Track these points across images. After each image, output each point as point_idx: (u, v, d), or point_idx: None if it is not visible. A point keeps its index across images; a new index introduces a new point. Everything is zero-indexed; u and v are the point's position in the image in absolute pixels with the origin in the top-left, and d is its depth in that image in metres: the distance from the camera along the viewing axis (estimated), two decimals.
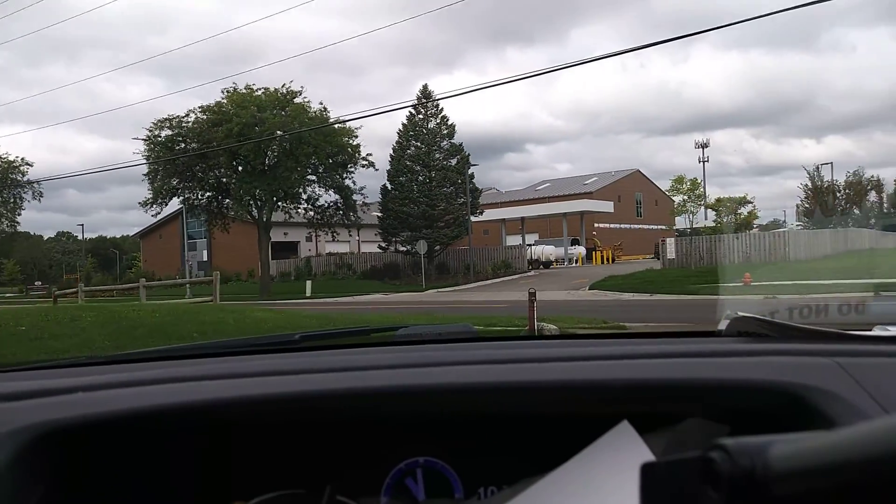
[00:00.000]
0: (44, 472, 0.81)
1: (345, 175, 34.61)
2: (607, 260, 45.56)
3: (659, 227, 48.59)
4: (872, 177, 55.05)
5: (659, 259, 33.01)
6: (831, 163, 55.82)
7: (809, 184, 43.83)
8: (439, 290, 30.62)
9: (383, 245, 37.91)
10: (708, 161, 58.00)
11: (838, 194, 46.93)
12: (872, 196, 53.85)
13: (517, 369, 0.92)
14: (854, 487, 0.40)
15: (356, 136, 33.82)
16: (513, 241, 46.14)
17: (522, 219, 49.70)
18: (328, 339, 1.35)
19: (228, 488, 0.97)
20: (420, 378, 0.91)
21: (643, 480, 0.51)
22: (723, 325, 1.14)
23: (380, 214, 37.11)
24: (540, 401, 0.91)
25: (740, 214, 43.77)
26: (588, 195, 53.62)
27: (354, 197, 35.30)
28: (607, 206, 50.54)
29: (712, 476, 0.44)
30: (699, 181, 35.52)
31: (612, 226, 55.57)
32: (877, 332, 1.08)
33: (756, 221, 44.19)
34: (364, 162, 34.72)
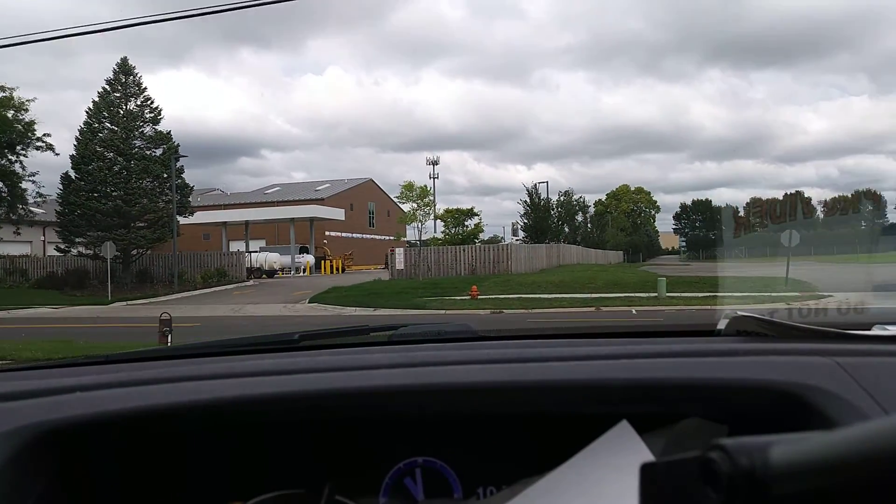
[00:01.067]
0: (42, 472, 0.81)
1: (13, 159, 27.71)
2: (337, 270, 44.40)
3: (390, 237, 48.27)
4: (580, 198, 62.34)
5: (388, 269, 32.15)
6: (546, 182, 61.51)
7: (528, 200, 46.89)
8: (130, 302, 25.99)
9: (63, 247, 30.85)
10: (438, 178, 59.59)
11: (552, 212, 51.05)
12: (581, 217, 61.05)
13: (516, 369, 0.91)
14: (854, 487, 0.40)
15: (26, 110, 27.17)
16: (238, 247, 41.76)
17: (247, 223, 46.61)
18: (327, 339, 1.33)
19: (227, 488, 0.96)
20: (419, 378, 0.91)
21: (642, 480, 0.51)
22: (722, 325, 1.13)
23: (60, 209, 30.21)
24: (539, 401, 0.91)
25: (467, 227, 44.85)
26: (319, 201, 52.08)
27: (24, 185, 28.44)
28: (338, 214, 49.21)
29: (712, 476, 0.44)
30: (429, 189, 35.20)
31: (343, 234, 54.44)
32: (876, 331, 1.07)
33: (482, 235, 45.92)
34: (40, 144, 28.08)
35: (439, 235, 45.28)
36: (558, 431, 0.95)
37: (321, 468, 0.99)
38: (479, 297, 20.97)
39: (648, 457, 0.80)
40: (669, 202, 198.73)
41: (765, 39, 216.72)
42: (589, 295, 21.69)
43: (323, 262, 44.36)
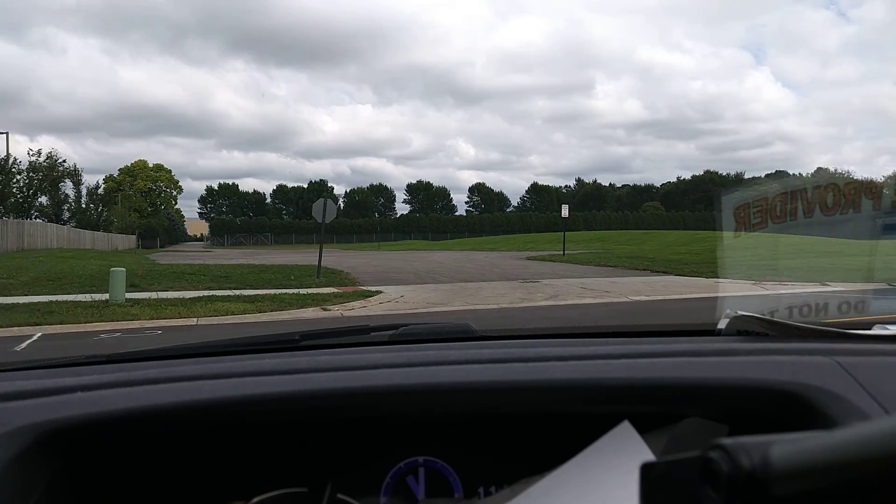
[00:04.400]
0: (43, 472, 0.81)
1: None
2: None
3: None
4: (65, 163, 51.57)
5: None
6: (6, 132, 47.54)
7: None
8: None
9: None
10: None
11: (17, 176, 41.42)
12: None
13: (517, 368, 0.91)
14: (854, 487, 0.40)
15: None
16: None
17: None
18: (328, 339, 1.32)
19: (228, 487, 0.96)
20: (420, 377, 0.91)
21: (643, 480, 0.51)
22: (722, 324, 1.13)
23: None
24: (540, 400, 0.91)
25: None
26: None
27: None
28: None
29: (712, 476, 0.44)
30: None
31: None
32: (876, 330, 1.07)
33: None
34: None
35: None
36: (559, 431, 0.95)
37: (322, 467, 0.99)
38: None
39: (649, 456, 0.80)
40: (198, 189, 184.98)
41: (284, 38, 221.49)
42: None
43: None
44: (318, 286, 15.99)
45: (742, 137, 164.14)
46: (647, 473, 0.51)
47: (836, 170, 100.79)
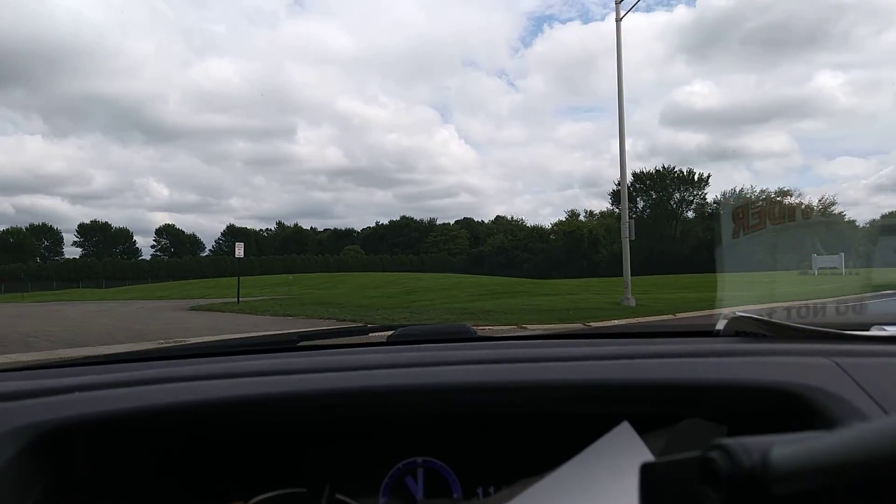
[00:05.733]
0: (41, 473, 0.81)
1: None
2: None
3: None
4: None
5: None
6: None
7: None
8: None
9: None
10: None
11: None
12: None
13: (515, 369, 0.91)
14: (853, 487, 0.40)
15: None
16: None
17: None
18: (326, 339, 1.33)
19: (227, 488, 0.96)
20: (418, 378, 0.91)
21: (643, 480, 0.51)
22: (721, 325, 1.13)
23: None
24: (538, 400, 0.90)
25: None
26: None
27: None
28: None
29: (712, 476, 0.44)
30: None
31: None
32: (874, 332, 1.07)
33: None
34: None
35: None
36: (558, 431, 0.95)
37: (321, 468, 0.98)
38: None
39: (649, 457, 0.80)
40: None
41: None
42: None
43: None
44: None
45: (434, 188, 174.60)
46: (647, 474, 0.51)
47: (512, 217, 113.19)
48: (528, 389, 0.89)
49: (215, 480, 0.96)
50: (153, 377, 0.92)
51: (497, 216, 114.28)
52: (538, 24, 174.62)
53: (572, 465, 0.81)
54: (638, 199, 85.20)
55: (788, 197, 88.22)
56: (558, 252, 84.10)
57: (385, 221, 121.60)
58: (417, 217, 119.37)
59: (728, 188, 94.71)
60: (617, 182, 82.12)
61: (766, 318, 1.07)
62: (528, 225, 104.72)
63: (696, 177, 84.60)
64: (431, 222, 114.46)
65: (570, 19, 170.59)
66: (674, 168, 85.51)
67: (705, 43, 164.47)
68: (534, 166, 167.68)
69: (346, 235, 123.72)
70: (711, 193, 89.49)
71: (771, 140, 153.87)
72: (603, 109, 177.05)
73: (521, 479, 0.86)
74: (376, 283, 38.70)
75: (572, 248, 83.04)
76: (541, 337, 1.22)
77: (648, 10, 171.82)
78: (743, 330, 1.09)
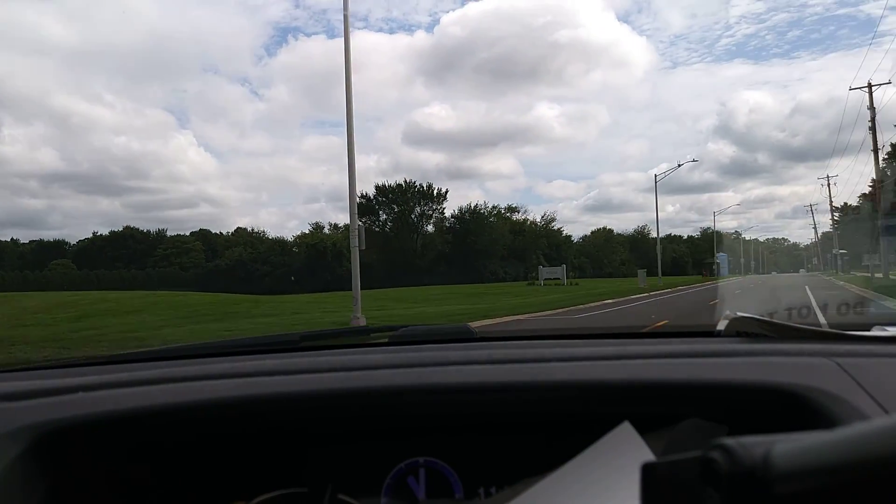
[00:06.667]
0: (45, 473, 0.81)
1: None
2: None
3: None
4: None
5: None
6: None
7: None
8: None
9: None
10: None
11: None
12: None
13: (516, 369, 0.92)
14: (854, 487, 0.40)
15: None
16: None
17: None
18: (328, 340, 1.32)
19: (230, 487, 0.96)
20: (420, 378, 0.92)
21: (643, 480, 0.51)
22: (722, 326, 1.13)
23: None
24: (540, 401, 0.91)
25: None
26: None
27: None
28: None
29: (713, 476, 0.44)
30: None
31: None
32: (875, 332, 1.07)
33: None
34: None
35: None
36: (559, 432, 0.95)
37: (323, 468, 0.98)
38: None
39: (649, 457, 0.80)
40: None
41: None
42: None
43: None
44: None
45: (171, 197, 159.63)
46: (648, 474, 0.51)
47: (252, 230, 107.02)
48: (530, 389, 0.89)
49: (217, 480, 0.96)
50: (156, 377, 0.92)
51: (238, 228, 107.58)
52: (283, 34, 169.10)
53: (573, 465, 0.81)
54: (380, 211, 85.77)
55: (517, 213, 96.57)
56: (301, 266, 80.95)
57: (105, 232, 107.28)
58: (149, 228, 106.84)
59: (464, 204, 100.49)
60: (363, 194, 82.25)
61: (766, 319, 1.08)
62: (270, 237, 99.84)
63: (435, 192, 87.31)
64: (161, 233, 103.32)
65: (316, 33, 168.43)
66: (414, 182, 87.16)
67: (442, 68, 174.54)
68: (280, 178, 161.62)
69: (55, 248, 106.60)
70: (449, 209, 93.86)
71: (500, 162, 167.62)
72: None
73: (522, 479, 0.85)
74: (44, 305, 29.96)
75: (316, 262, 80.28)
76: (542, 337, 1.24)
77: (391, 31, 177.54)
78: (744, 330, 1.10)
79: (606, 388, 0.88)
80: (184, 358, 1.11)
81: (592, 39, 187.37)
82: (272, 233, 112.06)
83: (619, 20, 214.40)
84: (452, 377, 0.91)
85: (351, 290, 17.54)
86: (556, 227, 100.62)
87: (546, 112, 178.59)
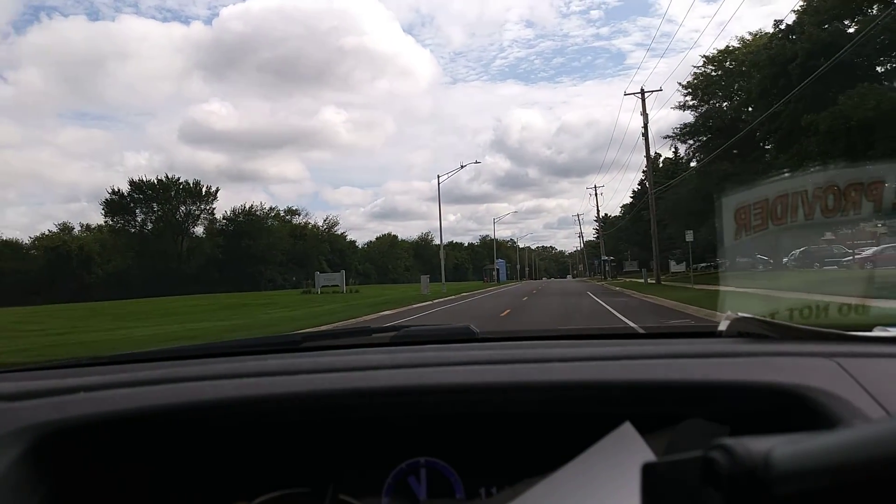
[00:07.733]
0: (47, 472, 0.81)
1: None
2: None
3: None
4: None
5: None
6: None
7: None
8: None
9: None
10: None
11: None
12: None
13: (517, 370, 0.92)
14: (855, 488, 0.40)
15: None
16: None
17: None
18: (330, 340, 1.33)
19: (231, 488, 0.96)
20: (421, 378, 0.92)
21: (644, 480, 0.51)
22: (723, 326, 1.13)
23: None
24: (541, 401, 0.91)
25: None
26: None
27: None
28: None
29: (713, 476, 0.44)
30: None
31: None
32: (877, 332, 1.07)
33: None
34: None
35: None
36: (560, 432, 0.94)
37: (324, 468, 0.99)
38: None
39: (650, 457, 0.80)
40: None
41: None
42: None
43: None
44: None
45: None
46: (649, 474, 0.51)
47: None
48: (531, 390, 0.89)
49: (219, 480, 0.96)
50: (158, 377, 0.92)
51: None
52: (35, 11, 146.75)
53: (574, 465, 0.81)
54: (137, 210, 75.85)
55: (297, 216, 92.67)
56: (40, 273, 69.81)
57: None
58: None
59: (238, 204, 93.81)
60: (115, 190, 71.40)
61: (768, 319, 1.08)
62: (1, 238, 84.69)
63: (204, 189, 78.34)
64: None
65: (76, 14, 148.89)
66: (178, 178, 77.90)
67: (223, 64, 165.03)
68: (30, 174, 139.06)
69: None
70: (223, 209, 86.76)
71: (286, 166, 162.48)
72: (115, 119, 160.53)
73: (523, 479, 0.85)
74: None
75: (58, 268, 69.81)
76: (543, 337, 1.23)
77: (165, 20, 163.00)
78: (745, 330, 1.09)
79: (608, 388, 0.89)
80: (185, 358, 1.12)
81: (378, 47, 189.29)
82: (22, 237, 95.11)
83: (404, 31, 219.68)
84: (453, 377, 0.91)
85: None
86: (340, 232, 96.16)
87: (333, 117, 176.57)
